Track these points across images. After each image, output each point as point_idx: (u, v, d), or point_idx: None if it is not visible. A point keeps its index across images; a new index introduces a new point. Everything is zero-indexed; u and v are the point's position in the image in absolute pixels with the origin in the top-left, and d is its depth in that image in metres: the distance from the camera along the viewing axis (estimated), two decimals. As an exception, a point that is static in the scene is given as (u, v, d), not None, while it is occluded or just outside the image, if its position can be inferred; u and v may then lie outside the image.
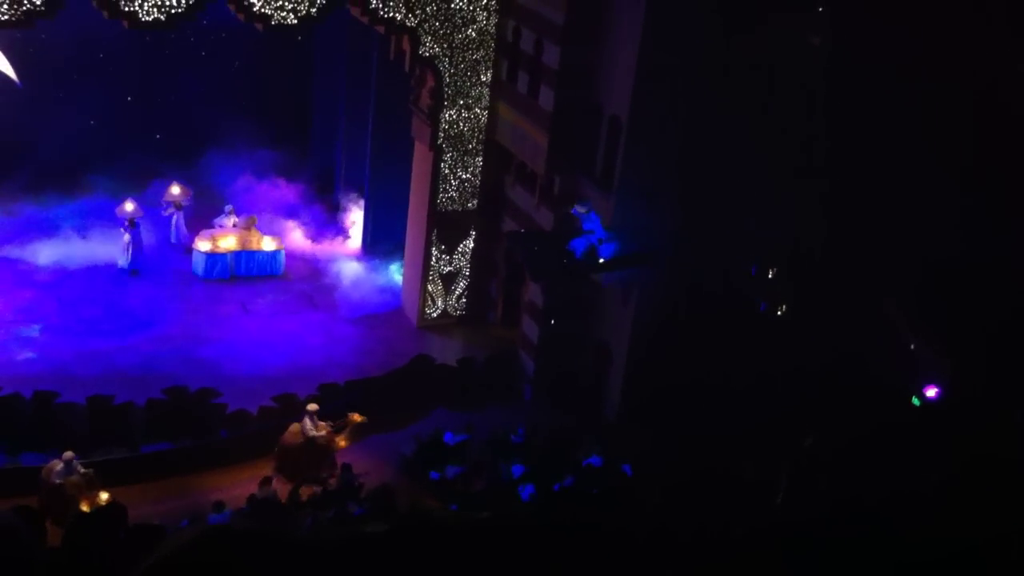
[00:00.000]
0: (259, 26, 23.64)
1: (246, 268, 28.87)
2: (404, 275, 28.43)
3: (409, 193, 27.72)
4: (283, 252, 29.35)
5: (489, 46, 25.61)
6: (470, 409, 24.54)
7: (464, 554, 11.31)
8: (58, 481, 20.15)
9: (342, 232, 31.20)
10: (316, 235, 30.87)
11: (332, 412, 22.75)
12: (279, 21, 23.52)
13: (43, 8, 21.94)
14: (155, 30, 24.15)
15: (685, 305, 23.47)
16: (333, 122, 32.42)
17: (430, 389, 24.96)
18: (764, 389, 22.07)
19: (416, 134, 26.82)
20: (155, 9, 22.53)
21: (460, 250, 27.33)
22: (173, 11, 22.63)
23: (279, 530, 15.34)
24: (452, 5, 24.92)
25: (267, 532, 11.92)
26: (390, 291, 28.73)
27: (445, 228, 26.95)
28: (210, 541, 10.69)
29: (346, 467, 21.55)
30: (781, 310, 23.87)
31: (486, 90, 25.98)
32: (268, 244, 29.17)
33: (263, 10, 23.27)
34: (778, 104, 22.72)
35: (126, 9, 22.40)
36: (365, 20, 24.85)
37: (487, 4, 25.23)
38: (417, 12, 24.69)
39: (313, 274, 29.43)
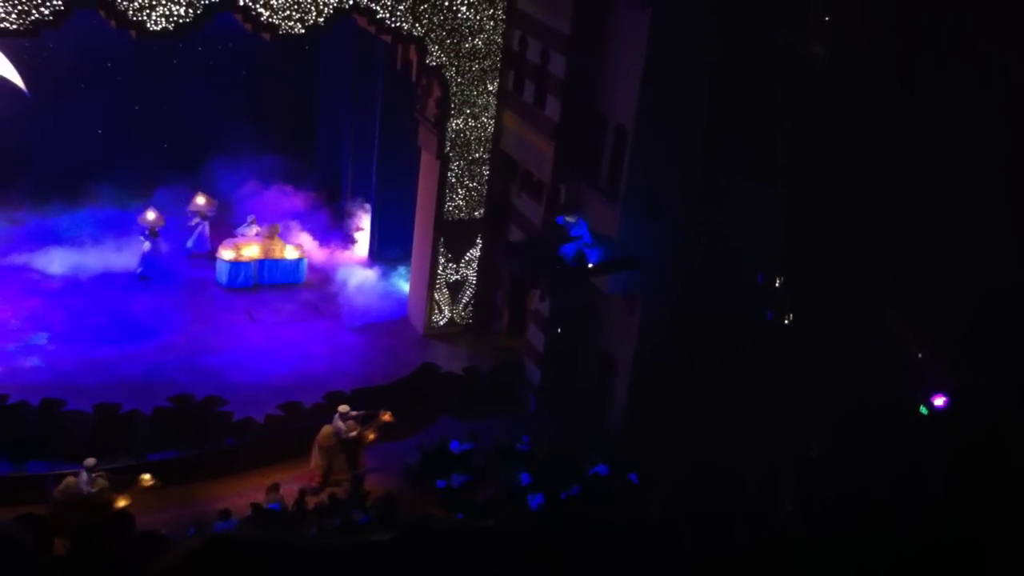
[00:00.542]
0: (266, 36, 23.71)
1: (269, 276, 28.98)
2: (410, 283, 28.45)
3: (416, 201, 27.77)
4: (305, 261, 29.43)
5: (496, 56, 25.68)
6: (475, 418, 24.55)
7: (470, 562, 11.31)
8: (87, 491, 20.09)
9: (349, 240, 31.24)
10: (323, 243, 30.91)
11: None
12: (286, 31, 23.59)
13: (50, 18, 22.02)
14: (163, 39, 24.18)
15: (690, 314, 23.45)
16: (338, 129, 32.47)
17: (436, 398, 24.96)
18: (770, 397, 22.04)
19: (422, 143, 26.86)
20: (163, 19, 22.61)
21: (466, 259, 27.35)
22: (181, 21, 22.72)
23: (285, 538, 15.36)
24: (459, 15, 24.99)
25: (272, 540, 11.93)
26: (396, 299, 28.75)
27: (451, 237, 26.98)
28: (216, 549, 10.69)
29: (356, 477, 21.59)
30: (788, 319, 23.82)
31: (492, 99, 26.03)
32: (291, 253, 29.30)
33: (271, 20, 23.34)
34: (782, 111, 22.72)
35: (134, 19, 22.47)
36: (372, 30, 24.93)
37: (494, 14, 25.30)
38: (424, 22, 24.75)
39: (319, 282, 29.44)
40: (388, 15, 24.38)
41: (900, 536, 16.87)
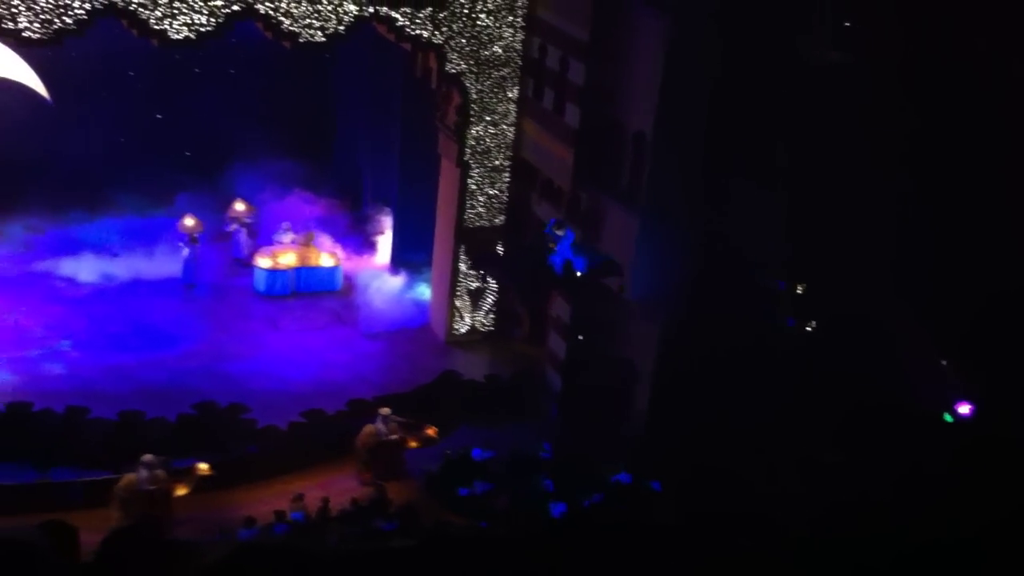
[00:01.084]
0: (287, 44, 23.82)
1: (306, 284, 29.09)
2: (432, 291, 28.48)
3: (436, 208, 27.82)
4: (341, 268, 29.51)
5: (515, 63, 25.72)
6: (496, 426, 24.54)
7: (492, 570, 11.32)
8: (148, 488, 20.31)
9: (370, 245, 31.28)
10: (344, 248, 30.94)
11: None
12: (307, 39, 23.70)
13: (73, 27, 22.18)
14: (184, 48, 24.29)
15: (708, 320, 23.42)
16: (356, 136, 32.54)
17: (457, 405, 24.97)
18: (785, 401, 22.01)
19: (443, 151, 26.91)
20: (185, 28, 22.75)
21: (487, 266, 27.37)
22: (203, 30, 22.85)
23: (309, 545, 15.40)
24: (478, 23, 25.04)
25: (297, 548, 11.98)
26: (418, 306, 28.78)
27: (472, 244, 27.01)
28: (241, 557, 10.75)
29: (380, 485, 21.63)
30: (810, 326, 23.78)
31: (512, 107, 26.07)
32: (326, 260, 29.40)
33: (291, 28, 23.44)
34: (803, 118, 22.70)
35: (156, 28, 22.62)
36: (392, 38, 24.99)
37: (513, 22, 25.34)
38: (443, 30, 24.81)
39: (342, 288, 29.50)
40: (408, 23, 24.45)
41: (901, 536, 16.85)
